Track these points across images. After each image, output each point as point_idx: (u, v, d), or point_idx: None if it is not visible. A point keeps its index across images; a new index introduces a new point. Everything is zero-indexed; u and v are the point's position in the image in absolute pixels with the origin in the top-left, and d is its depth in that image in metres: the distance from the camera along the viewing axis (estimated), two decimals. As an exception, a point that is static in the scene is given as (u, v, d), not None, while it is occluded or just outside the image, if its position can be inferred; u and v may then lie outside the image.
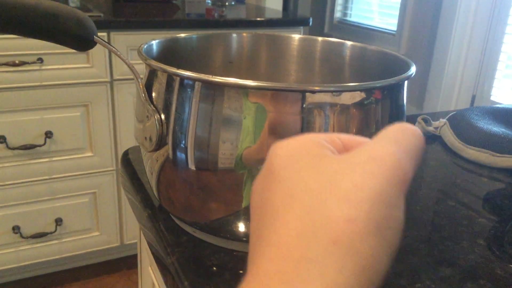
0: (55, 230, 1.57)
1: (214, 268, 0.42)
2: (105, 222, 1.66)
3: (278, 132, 0.38)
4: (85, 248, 1.65)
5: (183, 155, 0.41)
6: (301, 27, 1.80)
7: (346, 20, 2.51)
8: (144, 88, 0.43)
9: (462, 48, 1.93)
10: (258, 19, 1.74)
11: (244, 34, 0.58)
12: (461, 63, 1.95)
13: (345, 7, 2.52)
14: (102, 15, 1.50)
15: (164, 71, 0.40)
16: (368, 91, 0.40)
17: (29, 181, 1.50)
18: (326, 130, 0.39)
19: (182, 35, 0.54)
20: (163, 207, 0.51)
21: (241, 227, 0.42)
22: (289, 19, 1.83)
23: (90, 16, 1.47)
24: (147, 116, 0.43)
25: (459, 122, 0.71)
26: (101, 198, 1.63)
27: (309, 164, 0.20)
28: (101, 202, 1.63)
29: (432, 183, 0.60)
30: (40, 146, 1.47)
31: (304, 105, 0.38)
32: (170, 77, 0.41)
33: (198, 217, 0.44)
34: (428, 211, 0.53)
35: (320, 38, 0.57)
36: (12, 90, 1.40)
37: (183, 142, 0.41)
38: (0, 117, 1.41)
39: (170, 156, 0.42)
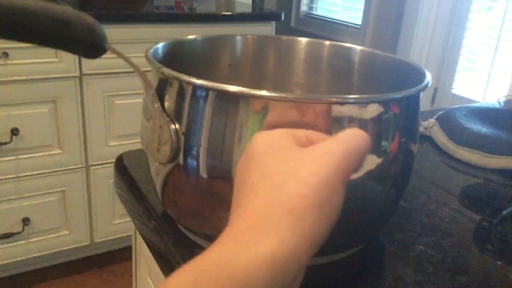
0: (23, 230, 1.51)
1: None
2: (75, 220, 1.61)
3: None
4: (54, 248, 1.60)
5: (196, 164, 0.40)
6: (273, 22, 1.79)
7: (312, 14, 2.51)
8: (157, 98, 0.41)
9: (425, 42, 1.98)
10: (230, 13, 1.71)
11: (249, 37, 0.57)
12: (423, 57, 2.00)
13: (311, 0, 2.52)
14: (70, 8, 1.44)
15: (188, 82, 0.38)
16: (386, 102, 0.39)
17: (-6, 180, 1.43)
18: None
19: (188, 37, 0.53)
20: (167, 216, 0.49)
21: None
22: (261, 14, 1.81)
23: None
24: (160, 127, 0.41)
25: (448, 123, 0.72)
26: (70, 196, 1.58)
27: (280, 152, 0.27)
28: (70, 200, 1.58)
29: (431, 187, 0.61)
30: (6, 143, 1.40)
31: (322, 116, 0.37)
32: (184, 86, 0.39)
33: (208, 227, 0.43)
34: (433, 215, 0.54)
35: (327, 42, 0.56)
36: (-25, 85, 1.33)
37: (196, 150, 0.39)
38: (-38, 114, 1.34)
39: (185, 165, 0.40)
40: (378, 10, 2.14)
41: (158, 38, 1.55)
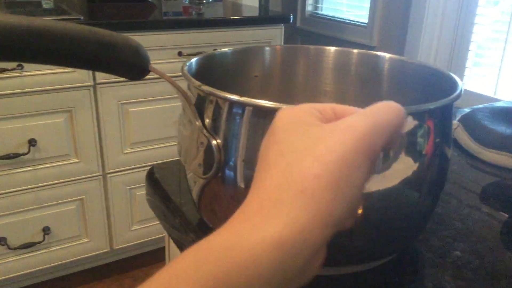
0: (43, 239, 1.52)
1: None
2: (94, 228, 1.62)
3: None
4: (74, 256, 1.61)
5: (234, 175, 0.40)
6: (282, 24, 1.79)
7: (318, 13, 2.51)
8: (198, 115, 0.42)
9: (433, 38, 1.97)
10: (238, 17, 1.72)
11: (278, 47, 0.58)
12: (432, 53, 1.99)
13: (316, 0, 2.52)
14: (81, 17, 1.45)
15: (225, 99, 0.39)
16: (421, 114, 0.40)
17: (14, 191, 1.45)
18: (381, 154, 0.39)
19: (220, 50, 0.54)
20: (203, 228, 0.50)
21: None
22: (270, 17, 1.81)
23: (69, 19, 1.42)
24: (202, 143, 0.42)
25: (473, 124, 0.73)
26: (88, 204, 1.59)
27: (299, 130, 0.25)
28: (88, 209, 1.59)
29: (461, 190, 0.61)
30: (24, 154, 1.42)
31: None
32: (222, 102, 0.40)
33: None
34: (466, 220, 0.54)
35: (355, 50, 0.57)
36: (-7, 98, 1.34)
37: (234, 162, 0.40)
38: (-19, 127, 1.36)
39: (224, 177, 0.41)
40: (385, 7, 2.14)
41: (168, 44, 1.56)
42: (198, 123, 0.41)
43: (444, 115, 0.43)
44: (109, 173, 1.60)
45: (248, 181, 0.40)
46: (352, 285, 0.43)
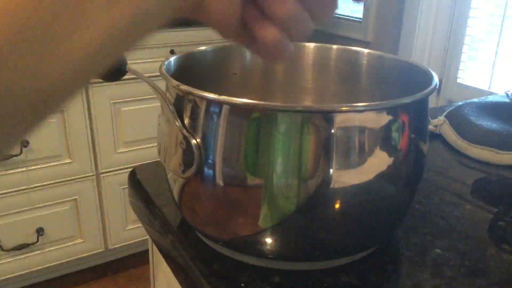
0: (37, 241, 1.52)
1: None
2: (88, 228, 1.62)
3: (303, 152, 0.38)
4: (69, 256, 1.61)
5: (213, 174, 0.41)
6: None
7: (314, 8, 2.50)
8: (177, 115, 0.42)
9: (428, 32, 1.96)
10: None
11: None
12: (427, 48, 1.99)
13: (313, -6, 2.51)
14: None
15: (202, 97, 0.39)
16: (395, 108, 0.40)
17: (6, 192, 1.44)
18: (354, 148, 0.39)
19: (199, 49, 0.54)
20: (184, 229, 0.50)
21: (269, 244, 0.42)
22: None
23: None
24: (181, 142, 0.41)
25: (458, 120, 0.72)
26: (82, 204, 1.59)
27: None
28: (82, 209, 1.59)
29: (444, 187, 0.61)
30: (16, 155, 1.41)
31: (329, 126, 0.38)
32: (201, 101, 0.40)
33: (226, 232, 0.44)
34: (448, 217, 0.54)
35: (335, 46, 0.57)
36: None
37: (213, 161, 0.40)
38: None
39: (203, 176, 0.41)
40: (379, 2, 2.13)
41: (161, 43, 1.55)
42: (178, 122, 0.41)
43: (419, 109, 0.43)
44: (102, 173, 1.59)
45: (228, 179, 0.40)
46: (328, 282, 0.43)
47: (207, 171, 0.41)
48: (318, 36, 2.44)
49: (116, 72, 0.42)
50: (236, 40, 0.30)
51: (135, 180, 0.60)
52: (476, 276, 0.44)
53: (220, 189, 0.41)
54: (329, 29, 2.33)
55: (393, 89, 0.52)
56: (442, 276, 0.44)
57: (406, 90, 0.48)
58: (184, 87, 0.40)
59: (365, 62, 0.56)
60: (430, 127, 0.75)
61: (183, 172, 0.42)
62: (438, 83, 0.44)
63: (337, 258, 0.45)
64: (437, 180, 0.62)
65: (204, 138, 0.41)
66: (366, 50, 0.55)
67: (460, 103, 0.78)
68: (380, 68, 0.55)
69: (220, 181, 0.41)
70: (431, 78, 0.45)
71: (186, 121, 0.42)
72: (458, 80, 1.91)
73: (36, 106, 0.20)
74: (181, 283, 0.49)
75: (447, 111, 0.76)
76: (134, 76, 0.43)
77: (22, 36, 0.18)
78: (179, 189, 0.46)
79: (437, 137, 0.75)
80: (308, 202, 0.39)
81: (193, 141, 0.41)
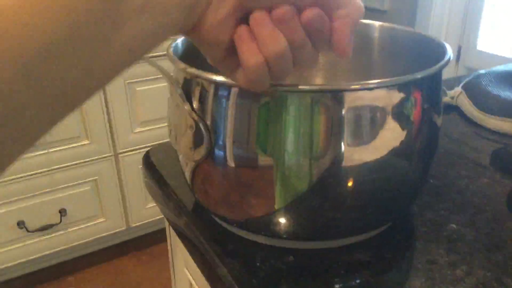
0: (60, 221, 1.56)
1: (266, 272, 0.41)
2: (109, 207, 1.65)
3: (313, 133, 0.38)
4: (92, 235, 1.65)
5: (224, 155, 0.41)
6: None
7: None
8: (185, 98, 0.42)
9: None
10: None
11: None
12: (445, 15, 1.93)
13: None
14: None
15: (211, 81, 0.39)
16: (406, 85, 0.39)
17: (28, 175, 1.47)
18: (365, 126, 0.38)
19: None
20: (198, 211, 0.50)
21: (283, 224, 0.42)
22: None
23: None
24: (191, 126, 0.41)
25: (475, 90, 0.70)
26: (102, 184, 1.61)
27: None
28: (103, 188, 1.62)
29: (461, 160, 0.60)
30: (35, 139, 1.43)
31: (340, 105, 0.38)
32: (208, 84, 0.40)
33: (238, 212, 0.44)
34: (464, 191, 0.53)
35: None
36: None
37: (224, 143, 0.40)
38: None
39: (215, 158, 0.41)
40: (396, -32, 2.07)
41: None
42: (186, 106, 0.41)
43: (432, 83, 0.42)
44: (120, 153, 1.61)
45: (239, 161, 0.40)
46: (342, 260, 0.43)
47: (218, 153, 0.41)
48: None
49: None
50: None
51: (149, 163, 0.60)
52: (493, 252, 0.44)
53: (232, 171, 0.41)
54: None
55: (406, 62, 0.51)
56: (458, 252, 0.44)
57: (419, 63, 0.47)
58: (191, 70, 0.40)
59: (376, 35, 0.55)
60: (447, 98, 0.73)
61: (194, 155, 0.42)
62: (451, 56, 0.43)
63: (351, 236, 0.45)
64: (453, 153, 0.61)
65: (213, 121, 0.40)
66: (377, 23, 0.54)
67: (477, 73, 0.76)
68: (393, 41, 0.54)
69: (231, 163, 0.41)
70: (444, 50, 0.44)
71: (195, 104, 0.41)
72: (478, 48, 1.86)
73: (78, 93, 0.24)
74: (197, 263, 0.49)
75: (464, 81, 0.74)
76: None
77: (76, 33, 0.22)
78: (191, 172, 0.46)
79: (454, 109, 0.73)
80: (320, 181, 0.39)
81: (203, 124, 0.41)
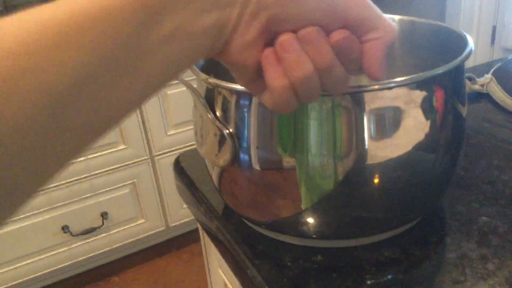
0: (103, 224, 1.61)
1: (296, 272, 0.42)
2: (148, 208, 1.69)
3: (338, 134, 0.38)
4: (133, 236, 1.69)
5: (249, 160, 0.42)
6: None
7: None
8: (209, 108, 0.43)
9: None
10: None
11: None
12: (476, 3, 1.88)
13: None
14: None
15: (231, 90, 0.41)
16: (427, 81, 0.39)
17: (70, 181, 1.53)
18: (388, 123, 0.39)
19: None
20: (228, 214, 0.51)
21: (310, 224, 0.43)
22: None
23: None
24: (215, 134, 0.43)
25: (506, 77, 0.69)
26: (140, 186, 1.65)
27: None
28: (141, 191, 1.66)
29: (492, 150, 0.59)
30: (74, 146, 1.48)
31: (361, 105, 0.38)
32: (229, 93, 0.41)
33: (266, 214, 0.45)
34: (496, 182, 0.52)
35: None
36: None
37: (249, 152, 0.41)
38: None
39: (240, 164, 0.43)
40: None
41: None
42: (210, 115, 0.42)
43: (454, 76, 0.42)
44: (156, 155, 1.65)
45: (263, 165, 0.41)
46: (370, 258, 0.43)
47: (243, 158, 0.42)
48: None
49: None
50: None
51: (180, 168, 0.62)
52: (525, 243, 0.43)
53: (257, 175, 0.42)
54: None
55: (427, 55, 0.51)
56: (489, 245, 0.43)
57: (441, 54, 0.47)
58: (212, 80, 0.41)
59: (397, 28, 0.55)
60: (476, 86, 0.72)
61: (219, 161, 0.43)
62: (472, 48, 0.42)
63: (379, 233, 0.45)
64: (484, 143, 0.60)
65: (236, 128, 0.42)
66: (397, 17, 0.54)
67: (507, 58, 0.74)
68: (413, 34, 0.53)
69: (256, 167, 0.42)
70: (465, 41, 0.44)
71: (218, 112, 0.43)
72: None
73: (105, 123, 0.25)
74: (229, 264, 0.50)
75: (493, 68, 0.73)
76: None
77: (106, 66, 0.23)
78: (218, 177, 0.47)
79: (485, 96, 0.72)
80: (345, 180, 0.40)
81: (226, 132, 0.42)
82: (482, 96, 0.72)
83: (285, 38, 0.28)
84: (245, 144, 0.42)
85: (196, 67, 0.44)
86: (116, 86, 0.23)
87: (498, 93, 0.68)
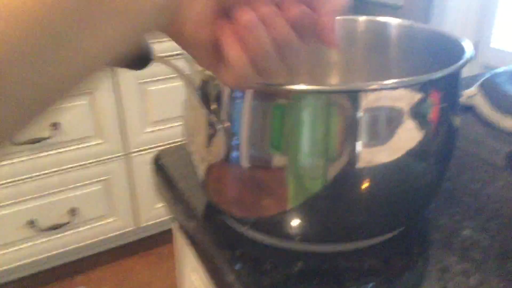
0: (71, 220, 1.56)
1: (276, 279, 0.41)
2: (120, 207, 1.65)
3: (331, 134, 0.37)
4: (102, 235, 1.65)
5: (239, 155, 0.41)
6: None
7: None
8: (203, 100, 0.41)
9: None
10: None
11: None
12: (461, 10, 1.91)
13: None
14: None
15: None
16: (423, 85, 0.39)
17: (40, 174, 1.48)
18: (381, 126, 0.38)
19: None
20: (208, 214, 0.50)
21: (294, 225, 0.42)
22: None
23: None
24: (209, 127, 0.41)
25: (492, 90, 0.69)
26: (113, 184, 1.62)
27: None
28: (114, 188, 1.62)
29: (475, 163, 0.59)
30: (47, 138, 1.44)
31: (356, 105, 0.37)
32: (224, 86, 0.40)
33: (252, 212, 0.44)
34: (479, 195, 0.52)
35: (362, 18, 0.55)
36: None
37: (243, 147, 0.40)
38: (4, 113, 1.38)
39: (230, 158, 0.41)
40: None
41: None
42: (204, 108, 0.41)
43: (450, 83, 0.41)
44: (132, 152, 1.61)
45: (255, 162, 0.40)
46: (354, 265, 0.42)
47: (235, 154, 0.41)
48: (349, 4, 2.37)
49: (142, 61, 0.42)
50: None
51: (159, 165, 0.60)
52: (508, 259, 0.43)
53: (247, 172, 0.41)
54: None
55: (424, 61, 0.51)
56: (471, 260, 0.43)
57: (438, 61, 0.47)
58: (209, 72, 0.40)
59: (393, 33, 0.54)
60: (462, 99, 0.72)
61: (210, 156, 0.42)
62: (472, 55, 0.42)
63: (362, 240, 0.44)
64: (468, 155, 0.60)
65: (231, 123, 0.40)
66: (395, 20, 0.53)
67: (494, 72, 0.75)
68: (410, 39, 0.53)
69: (247, 164, 0.41)
70: (463, 48, 0.43)
71: (212, 105, 0.41)
72: (494, 45, 1.83)
73: (50, 95, 0.23)
74: (205, 268, 0.49)
75: (481, 80, 0.73)
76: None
77: (51, 33, 0.21)
78: (205, 172, 0.46)
79: (470, 109, 0.72)
80: (334, 183, 0.39)
81: (220, 126, 0.40)
82: (468, 109, 0.72)
83: (241, 11, 0.28)
84: (237, 140, 0.40)
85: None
86: (60, 57, 0.22)
87: (483, 106, 0.69)
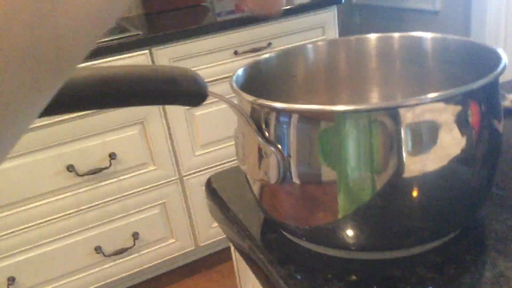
0: (134, 244, 1.63)
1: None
2: (178, 228, 1.71)
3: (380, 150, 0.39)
4: (163, 256, 1.71)
5: (296, 178, 0.43)
6: (335, 6, 1.76)
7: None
8: (257, 128, 0.44)
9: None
10: (289, 6, 1.71)
11: (319, 43, 0.59)
12: (502, 14, 1.86)
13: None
14: (140, 33, 1.52)
15: (279, 109, 0.43)
16: (462, 96, 0.40)
17: (102, 203, 1.56)
18: (424, 138, 0.39)
19: (263, 56, 0.56)
20: (261, 233, 0.52)
21: (347, 234, 0.44)
22: (321, 0, 1.78)
23: (130, 36, 1.49)
24: (265, 152, 0.44)
25: (537, 91, 0.68)
26: (170, 207, 1.67)
27: None
28: (171, 211, 1.68)
29: (525, 165, 0.58)
30: (106, 168, 1.52)
31: (397, 120, 0.39)
32: (277, 112, 0.43)
33: (308, 226, 0.46)
34: (530, 199, 0.51)
35: (397, 34, 0.56)
36: (73, 120, 1.45)
37: (299, 169, 0.43)
38: (66, 147, 1.47)
39: (287, 180, 0.44)
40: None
41: (224, 45, 1.59)
42: (257, 134, 0.44)
43: (488, 90, 0.42)
44: (185, 175, 1.67)
45: (308, 180, 0.43)
46: (407, 272, 0.43)
47: (294, 176, 0.44)
48: (386, 12, 2.37)
49: (197, 97, 0.45)
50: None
51: (211, 189, 0.63)
52: None
53: (302, 190, 0.44)
54: (394, 3, 2.25)
55: (460, 71, 0.51)
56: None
57: (474, 71, 0.48)
58: (260, 100, 0.43)
59: (429, 46, 0.55)
60: (507, 103, 0.71)
61: (269, 179, 0.45)
62: (507, 63, 0.42)
63: (413, 246, 0.45)
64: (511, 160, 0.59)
65: (286, 146, 0.43)
66: (430, 35, 0.55)
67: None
68: (445, 51, 0.54)
69: (300, 182, 0.43)
70: (498, 56, 0.44)
71: (265, 131, 0.44)
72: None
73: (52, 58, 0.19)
74: (262, 283, 0.51)
75: (524, 83, 0.72)
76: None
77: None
78: (261, 192, 0.49)
79: (516, 112, 0.71)
80: (383, 193, 0.40)
81: (275, 151, 0.43)
82: (513, 112, 0.71)
83: None
84: (293, 162, 0.43)
85: (239, 88, 0.46)
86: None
87: (529, 108, 0.68)
